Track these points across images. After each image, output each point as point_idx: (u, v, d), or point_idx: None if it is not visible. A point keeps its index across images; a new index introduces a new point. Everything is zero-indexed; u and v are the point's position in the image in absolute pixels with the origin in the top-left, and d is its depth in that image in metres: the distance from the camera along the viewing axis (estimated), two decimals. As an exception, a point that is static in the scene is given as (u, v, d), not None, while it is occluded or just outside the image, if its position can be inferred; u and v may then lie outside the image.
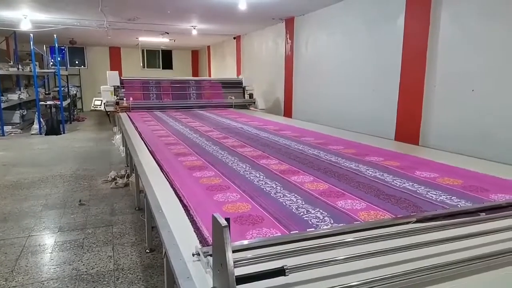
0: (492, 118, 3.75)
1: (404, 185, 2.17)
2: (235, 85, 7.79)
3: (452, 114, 4.19)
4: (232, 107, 7.31)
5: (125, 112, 6.34)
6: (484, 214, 1.66)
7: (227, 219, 1.04)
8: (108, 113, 7.10)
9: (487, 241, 1.36)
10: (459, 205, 1.81)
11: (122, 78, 6.96)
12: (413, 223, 1.58)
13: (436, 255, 1.27)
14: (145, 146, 3.41)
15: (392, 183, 2.22)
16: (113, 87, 6.76)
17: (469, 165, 2.59)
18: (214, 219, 1.07)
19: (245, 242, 1.41)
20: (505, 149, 3.56)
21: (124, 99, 6.70)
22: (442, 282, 1.15)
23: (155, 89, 7.15)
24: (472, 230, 1.41)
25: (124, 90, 6.87)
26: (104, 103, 6.73)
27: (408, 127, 4.70)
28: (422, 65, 4.46)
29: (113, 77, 6.81)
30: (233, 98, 7.43)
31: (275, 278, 1.08)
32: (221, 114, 6.26)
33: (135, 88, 7.02)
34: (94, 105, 6.91)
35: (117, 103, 6.61)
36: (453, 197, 1.93)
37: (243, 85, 7.74)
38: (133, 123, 5.10)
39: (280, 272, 1.08)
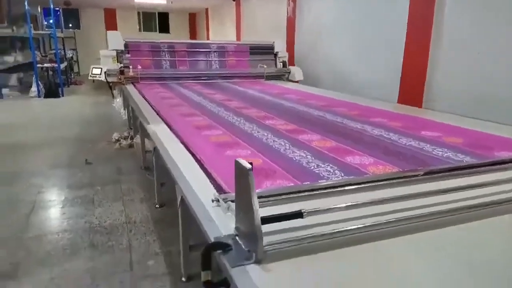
0: (496, 80, 3.76)
1: (410, 143, 2.22)
2: (265, 51, 6.41)
3: (457, 76, 4.19)
4: (263, 78, 6.04)
5: (132, 83, 5.23)
6: (488, 168, 1.72)
7: (250, 163, 1.08)
8: (110, 84, 5.74)
9: (492, 191, 1.43)
10: (464, 161, 1.87)
11: (126, 40, 5.63)
12: (420, 176, 1.64)
13: (445, 203, 1.34)
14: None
15: (398, 141, 2.27)
16: (115, 51, 5.53)
17: (473, 126, 2.64)
18: (237, 163, 1.11)
19: (263, 190, 1.47)
20: (508, 110, 3.59)
21: (130, 67, 5.39)
22: (452, 225, 1.23)
23: (168, 55, 5.90)
24: (478, 180, 1.48)
25: (129, 55, 5.59)
26: (104, 72, 5.42)
27: (412, 91, 4.70)
28: (428, 27, 4.40)
29: (114, 39, 5.56)
30: (265, 67, 6.13)
31: (293, 220, 1.15)
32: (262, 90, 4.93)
33: (143, 54, 5.76)
34: (92, 74, 6.18)
35: (121, 72, 5.32)
36: (458, 154, 1.99)
37: (275, 51, 6.40)
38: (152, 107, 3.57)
39: (298, 215, 1.15)
